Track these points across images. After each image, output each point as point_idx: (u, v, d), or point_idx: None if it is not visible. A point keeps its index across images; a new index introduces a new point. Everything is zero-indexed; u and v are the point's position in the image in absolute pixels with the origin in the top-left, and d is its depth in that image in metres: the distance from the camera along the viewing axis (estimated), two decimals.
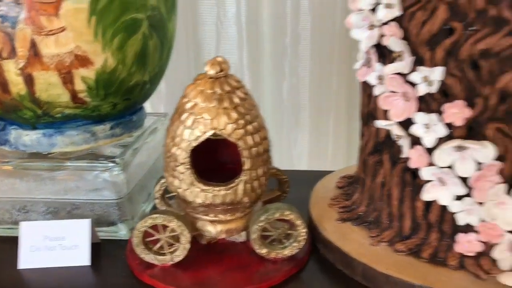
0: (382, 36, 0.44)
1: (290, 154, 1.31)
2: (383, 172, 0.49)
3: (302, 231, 0.47)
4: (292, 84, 1.23)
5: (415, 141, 0.44)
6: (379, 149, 0.49)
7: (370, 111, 0.50)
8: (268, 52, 1.23)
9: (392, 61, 0.44)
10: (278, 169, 0.57)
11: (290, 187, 0.58)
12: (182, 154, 0.44)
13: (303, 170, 0.78)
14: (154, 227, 0.48)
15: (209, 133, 0.43)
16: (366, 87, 0.50)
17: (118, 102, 0.53)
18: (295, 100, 1.25)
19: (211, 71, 0.44)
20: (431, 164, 0.43)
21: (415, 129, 0.43)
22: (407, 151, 0.45)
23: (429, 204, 0.45)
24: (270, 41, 1.21)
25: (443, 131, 0.42)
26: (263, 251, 0.48)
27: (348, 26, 0.47)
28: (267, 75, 1.25)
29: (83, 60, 0.48)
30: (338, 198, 0.57)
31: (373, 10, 0.44)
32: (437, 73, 0.41)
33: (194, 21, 1.22)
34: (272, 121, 1.28)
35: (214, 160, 0.54)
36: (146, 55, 0.52)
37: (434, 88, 0.41)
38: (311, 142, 1.27)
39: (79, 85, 0.49)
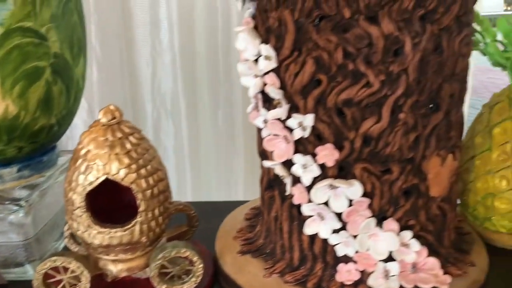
0: (264, 84, 0.48)
1: (227, 182, 1.34)
2: (275, 207, 0.53)
3: (199, 266, 0.50)
4: (226, 112, 1.27)
5: (296, 179, 0.48)
6: (272, 185, 0.53)
7: (262, 150, 0.53)
8: (203, 81, 1.27)
9: (274, 107, 0.48)
10: (186, 204, 0.59)
11: (210, 218, 0.61)
12: (78, 198, 0.47)
13: (223, 201, 0.82)
14: (57, 267, 0.49)
15: (102, 178, 0.46)
16: (258, 128, 0.54)
17: (24, 146, 0.55)
18: (230, 128, 1.28)
19: (104, 119, 0.46)
20: (310, 200, 0.47)
21: (295, 169, 0.47)
22: (290, 188, 0.49)
23: (313, 237, 0.49)
24: (205, 70, 1.25)
25: (317, 171, 0.46)
26: (162, 287, 0.50)
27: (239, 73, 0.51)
28: (202, 103, 1.28)
29: None
30: (243, 230, 0.60)
31: (256, 60, 0.48)
32: (308, 120, 0.45)
33: (128, 51, 1.25)
34: (209, 148, 1.31)
35: (119, 200, 0.56)
36: (51, 100, 0.55)
37: (307, 133, 0.46)
38: (247, 170, 1.31)
39: None
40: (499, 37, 0.60)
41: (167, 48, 1.25)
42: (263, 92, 0.49)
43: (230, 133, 1.28)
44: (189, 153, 1.31)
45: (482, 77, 5.51)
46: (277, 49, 0.46)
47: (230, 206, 0.68)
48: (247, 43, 0.48)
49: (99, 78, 1.19)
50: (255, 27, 0.49)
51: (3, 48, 0.49)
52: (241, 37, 0.49)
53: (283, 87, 0.47)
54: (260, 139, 0.54)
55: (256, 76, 0.49)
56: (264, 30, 0.48)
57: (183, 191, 1.33)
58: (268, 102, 0.49)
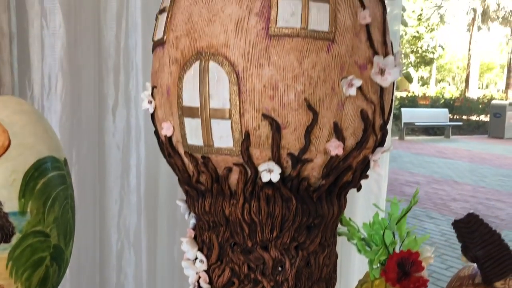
0: (199, 277, 0.71)
1: None
2: None
3: None
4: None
5: None
6: None
7: None
8: (163, 221, 1.50)
9: None
10: None
11: None
12: None
13: None
14: None
15: None
16: None
17: None
18: None
19: None
20: None
21: None
22: None
23: None
24: (165, 211, 1.48)
25: None
26: None
27: None
28: (161, 239, 1.50)
29: None
30: None
31: (195, 260, 0.72)
32: None
33: (101, 190, 1.47)
34: (165, 278, 1.50)
35: None
36: (48, 278, 0.76)
37: None
38: None
39: None
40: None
41: (134, 190, 1.49)
42: (198, 283, 0.72)
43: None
44: (147, 281, 1.49)
45: (426, 187, 5.97)
46: (208, 256, 0.70)
47: None
48: (188, 249, 0.72)
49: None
50: (195, 237, 0.73)
51: (20, 247, 0.71)
52: (184, 243, 0.73)
53: (210, 282, 0.70)
54: None
55: (194, 271, 0.72)
56: (201, 242, 0.72)
57: None
58: None
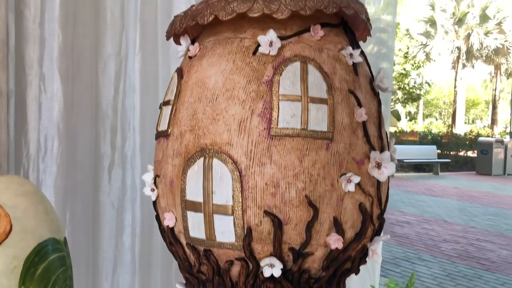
0: None
1: None
2: None
3: None
4: None
5: None
6: None
7: None
8: (157, 279, 1.49)
9: None
10: None
11: None
12: None
13: None
14: None
15: None
16: None
17: None
18: None
19: None
20: None
21: None
22: None
23: None
24: (159, 274, 1.47)
25: None
26: None
27: None
28: None
29: None
30: None
31: None
32: None
33: (94, 250, 1.46)
34: None
35: None
36: None
37: None
38: None
39: None
40: None
41: (128, 249, 1.48)
42: None
43: None
44: None
45: (417, 227, 5.98)
46: None
47: None
48: None
49: None
50: None
51: None
52: None
53: None
54: None
55: None
56: None
57: None
58: None
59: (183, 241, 0.69)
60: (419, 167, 13.09)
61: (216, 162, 0.63)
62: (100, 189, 1.47)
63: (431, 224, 6.20)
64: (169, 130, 0.69)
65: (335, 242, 0.65)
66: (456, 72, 22.57)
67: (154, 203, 0.75)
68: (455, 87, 22.81)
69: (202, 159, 0.64)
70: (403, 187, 9.68)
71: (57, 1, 1.33)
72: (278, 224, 0.63)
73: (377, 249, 0.71)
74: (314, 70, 0.65)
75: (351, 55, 0.69)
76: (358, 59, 0.69)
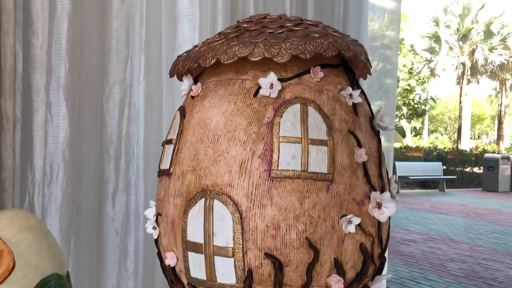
0: None
1: None
2: None
3: None
4: None
5: None
6: None
7: None
8: None
9: None
10: None
11: None
12: None
13: None
14: None
15: None
16: None
17: None
18: None
19: None
20: None
21: None
22: None
23: None
24: None
25: None
26: None
27: None
28: None
29: None
30: None
31: None
32: None
33: (97, 278, 1.46)
34: None
35: None
36: None
37: None
38: None
39: None
40: None
41: (131, 275, 1.48)
42: None
43: None
44: None
45: (423, 246, 5.92)
46: None
47: None
48: None
49: None
50: None
51: None
52: None
53: None
54: None
55: None
56: None
57: None
58: None
59: (184, 281, 0.70)
60: (424, 183, 13.03)
61: (217, 203, 0.64)
62: (104, 215, 1.48)
63: (437, 242, 6.15)
64: (171, 169, 0.70)
65: (336, 283, 0.65)
66: (461, 88, 22.59)
67: (156, 240, 0.75)
68: (460, 102, 22.80)
69: (203, 200, 0.65)
70: (409, 204, 9.62)
71: (64, 30, 1.35)
72: (278, 266, 0.63)
73: None
74: (314, 112, 0.66)
75: (350, 95, 0.69)
76: (358, 99, 0.70)
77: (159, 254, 0.77)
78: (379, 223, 0.69)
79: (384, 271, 0.76)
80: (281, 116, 0.65)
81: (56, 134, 1.37)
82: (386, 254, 0.77)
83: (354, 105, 0.70)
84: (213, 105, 0.68)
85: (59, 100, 1.36)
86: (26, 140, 1.42)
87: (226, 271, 0.64)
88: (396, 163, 11.82)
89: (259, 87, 0.67)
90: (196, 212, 0.65)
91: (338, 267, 0.65)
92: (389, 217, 0.72)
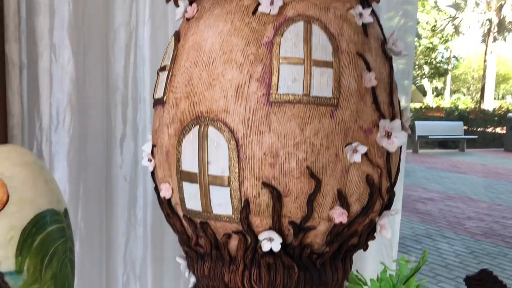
0: None
1: None
2: None
3: None
4: (187, 282, 1.46)
5: None
6: None
7: None
8: (169, 252, 1.48)
9: None
10: None
11: None
12: None
13: None
14: None
15: None
16: None
17: None
18: None
19: None
20: None
21: None
22: None
23: None
24: (171, 246, 1.46)
25: None
26: None
27: None
28: (167, 272, 1.48)
29: None
30: None
31: None
32: None
33: (107, 222, 1.46)
34: None
35: None
36: None
37: None
38: None
39: None
40: None
41: (141, 222, 1.48)
42: None
43: None
44: None
45: (440, 204, 5.87)
46: None
47: None
48: None
49: (80, 249, 1.39)
50: None
51: None
52: None
53: None
54: None
55: None
56: None
57: None
58: None
59: (180, 213, 0.66)
60: (444, 143, 12.81)
61: (211, 130, 0.59)
62: (112, 161, 1.45)
63: (455, 201, 6.08)
64: (165, 97, 0.65)
65: (339, 216, 0.61)
66: (487, 46, 21.79)
67: (153, 174, 0.72)
68: (485, 61, 22.06)
69: (197, 127, 0.60)
70: (428, 163, 9.50)
71: None
72: (277, 197, 0.59)
73: (386, 224, 0.66)
74: (319, 31, 0.60)
75: (360, 14, 0.63)
76: (368, 19, 0.63)
77: (156, 189, 0.73)
78: (388, 154, 0.64)
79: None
80: (281, 35, 0.59)
81: (62, 78, 1.34)
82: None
83: (364, 25, 0.64)
84: (208, 25, 0.63)
85: (64, 43, 1.32)
86: (33, 86, 1.38)
87: (221, 201, 0.60)
88: (416, 122, 11.60)
89: (258, 4, 0.61)
90: (190, 141, 0.61)
91: (342, 199, 0.61)
92: (400, 149, 0.67)
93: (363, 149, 0.60)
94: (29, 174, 0.78)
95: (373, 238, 0.70)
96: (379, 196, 0.64)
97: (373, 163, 0.62)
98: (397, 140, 0.62)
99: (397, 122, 0.62)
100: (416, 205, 5.73)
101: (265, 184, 0.59)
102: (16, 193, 0.74)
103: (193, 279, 0.74)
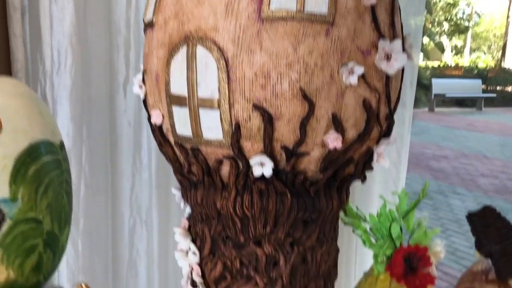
0: (192, 269, 0.69)
1: None
2: None
3: None
4: None
5: None
6: None
7: None
8: (174, 195, 1.49)
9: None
10: None
11: None
12: None
13: None
14: None
15: None
16: None
17: None
18: None
19: None
20: None
21: None
22: None
23: None
24: None
25: None
26: None
27: None
28: (173, 215, 1.49)
29: None
30: None
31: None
32: None
33: (113, 166, 1.47)
34: None
35: None
36: (41, 265, 0.75)
37: None
38: None
39: None
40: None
41: (146, 167, 1.48)
42: (191, 275, 0.70)
43: None
44: (159, 256, 1.50)
45: (454, 162, 5.81)
46: (200, 249, 0.68)
47: None
48: (181, 239, 0.70)
49: (86, 194, 1.40)
50: (189, 228, 0.71)
51: (11, 235, 0.69)
52: (177, 234, 0.71)
53: (203, 275, 0.68)
54: None
55: (186, 262, 0.70)
56: (194, 233, 0.69)
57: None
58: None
59: (172, 140, 0.65)
60: (461, 102, 12.56)
61: (200, 50, 0.57)
62: (115, 106, 1.44)
63: (470, 159, 6.01)
64: (154, 19, 0.62)
65: (334, 141, 0.59)
66: (510, 1, 20.95)
67: (145, 102, 0.70)
68: (507, 17, 21.27)
69: (185, 47, 0.58)
70: (443, 122, 9.36)
71: None
72: (268, 119, 0.57)
73: (383, 153, 0.64)
74: None
75: None
76: None
77: (149, 118, 0.72)
78: (387, 77, 0.61)
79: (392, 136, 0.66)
80: None
81: (62, 19, 1.31)
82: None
83: None
84: None
85: None
86: (34, 29, 1.36)
87: (211, 124, 0.58)
88: (432, 80, 11.37)
89: None
90: (179, 62, 0.59)
91: (337, 124, 0.58)
92: (402, 74, 0.64)
93: (359, 70, 0.57)
94: (23, 104, 0.77)
95: (371, 167, 0.68)
96: (377, 123, 0.62)
97: (370, 87, 0.59)
98: (397, 62, 0.59)
99: (398, 42, 0.59)
100: (429, 162, 5.68)
101: (256, 107, 0.56)
102: (10, 123, 0.73)
103: (188, 210, 0.73)
